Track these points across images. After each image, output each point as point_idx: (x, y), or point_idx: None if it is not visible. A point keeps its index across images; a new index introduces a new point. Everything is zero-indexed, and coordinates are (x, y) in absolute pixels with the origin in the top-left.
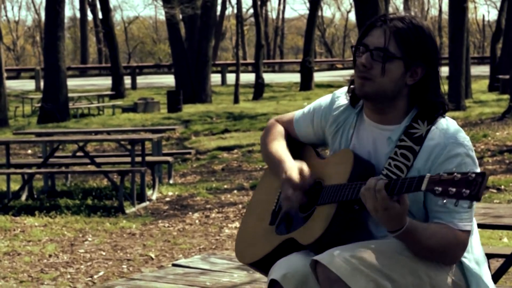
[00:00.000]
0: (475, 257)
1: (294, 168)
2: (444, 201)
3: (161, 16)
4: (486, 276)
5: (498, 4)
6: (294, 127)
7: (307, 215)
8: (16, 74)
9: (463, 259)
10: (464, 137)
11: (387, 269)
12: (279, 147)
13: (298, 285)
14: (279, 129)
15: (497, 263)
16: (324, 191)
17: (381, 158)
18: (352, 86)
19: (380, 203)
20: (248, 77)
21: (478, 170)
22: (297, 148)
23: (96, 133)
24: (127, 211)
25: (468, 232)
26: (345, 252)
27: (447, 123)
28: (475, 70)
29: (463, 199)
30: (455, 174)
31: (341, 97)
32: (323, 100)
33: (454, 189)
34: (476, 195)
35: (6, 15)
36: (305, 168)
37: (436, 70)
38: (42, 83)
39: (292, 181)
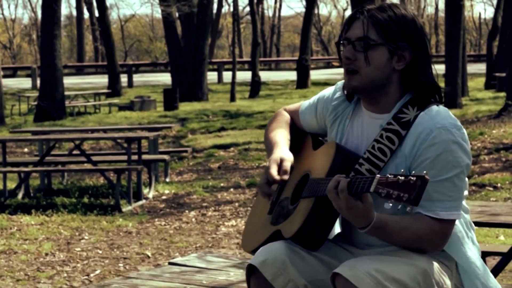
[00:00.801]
0: (471, 253)
1: (275, 160)
2: (390, 204)
3: (158, 14)
4: (483, 271)
5: (495, 2)
6: (299, 117)
7: (293, 208)
8: (13, 72)
9: (458, 260)
10: (453, 124)
11: (407, 280)
12: (278, 133)
13: (277, 272)
14: (285, 117)
15: (493, 261)
16: (307, 184)
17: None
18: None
19: (344, 202)
20: (244, 75)
21: (468, 158)
22: (299, 137)
23: (93, 131)
24: (124, 209)
25: (451, 221)
26: (367, 265)
27: (438, 109)
28: (472, 68)
29: (403, 203)
30: (399, 176)
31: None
32: (327, 90)
33: (396, 192)
34: (414, 199)
35: (3, 13)
36: (287, 163)
37: (425, 53)
38: (38, 81)
39: (268, 173)
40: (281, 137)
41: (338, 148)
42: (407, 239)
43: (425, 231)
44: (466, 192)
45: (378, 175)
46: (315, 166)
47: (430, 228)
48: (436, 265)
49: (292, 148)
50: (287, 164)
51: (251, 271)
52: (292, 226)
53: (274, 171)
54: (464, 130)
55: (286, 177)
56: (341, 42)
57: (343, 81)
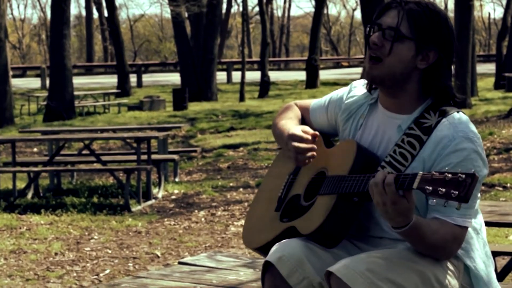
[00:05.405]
0: (481, 258)
1: (296, 127)
2: (434, 200)
3: (167, 14)
4: (493, 278)
5: (504, 2)
6: (309, 114)
7: (309, 204)
8: (22, 72)
9: (469, 263)
10: (474, 133)
11: (403, 281)
12: (289, 121)
13: (293, 268)
14: (295, 111)
15: (503, 261)
16: (326, 181)
17: (389, 146)
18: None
19: (389, 197)
20: (253, 75)
21: (486, 168)
22: None
23: (102, 131)
24: (133, 209)
25: (466, 228)
26: (360, 265)
27: (460, 117)
28: (481, 68)
29: (452, 200)
30: (446, 174)
31: (358, 87)
32: (341, 90)
33: (443, 189)
34: (464, 196)
35: (12, 13)
36: (308, 127)
37: (450, 56)
38: (47, 81)
39: (294, 135)
40: (292, 123)
41: (359, 147)
42: (434, 244)
43: (449, 236)
44: (478, 201)
45: (421, 172)
46: (333, 164)
47: (453, 233)
48: (440, 264)
49: None
50: (309, 129)
51: (266, 268)
52: (311, 223)
53: (301, 132)
54: (479, 136)
55: (316, 132)
56: (372, 26)
57: (357, 81)
